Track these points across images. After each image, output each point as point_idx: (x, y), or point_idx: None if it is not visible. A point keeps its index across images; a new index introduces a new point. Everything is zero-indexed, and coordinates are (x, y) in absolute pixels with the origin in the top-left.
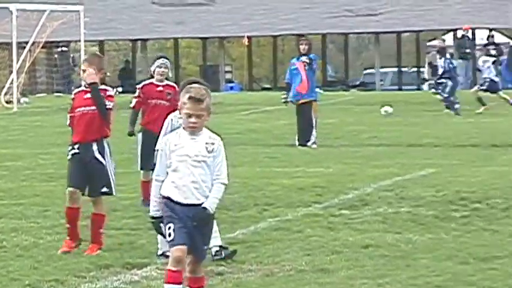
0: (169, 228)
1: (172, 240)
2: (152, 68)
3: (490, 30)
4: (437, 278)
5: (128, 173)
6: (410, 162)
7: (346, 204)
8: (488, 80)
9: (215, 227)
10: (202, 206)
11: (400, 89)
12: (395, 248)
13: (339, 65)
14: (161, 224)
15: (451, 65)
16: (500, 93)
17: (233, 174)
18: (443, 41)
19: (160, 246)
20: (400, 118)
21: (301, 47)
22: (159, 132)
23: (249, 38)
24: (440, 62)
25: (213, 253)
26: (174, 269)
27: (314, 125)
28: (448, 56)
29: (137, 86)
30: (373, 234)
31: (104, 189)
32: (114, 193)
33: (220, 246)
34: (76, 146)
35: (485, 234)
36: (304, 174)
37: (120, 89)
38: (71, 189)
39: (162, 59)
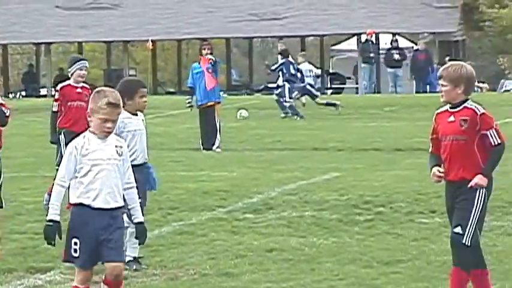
0: (75, 243)
1: (77, 258)
2: (72, 70)
3: (394, 34)
4: (341, 281)
5: (32, 176)
6: (314, 166)
7: (250, 208)
8: (307, 85)
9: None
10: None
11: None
12: (300, 251)
13: (243, 69)
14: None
15: (292, 69)
16: (317, 99)
17: None
18: (283, 43)
19: (128, 252)
20: (304, 122)
21: (204, 51)
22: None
23: (153, 42)
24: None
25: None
26: (81, 286)
27: (218, 128)
28: (290, 58)
29: (56, 89)
30: (277, 238)
31: None
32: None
33: (134, 258)
34: None
35: (388, 238)
36: (208, 178)
37: (23, 93)
38: None
39: (83, 61)
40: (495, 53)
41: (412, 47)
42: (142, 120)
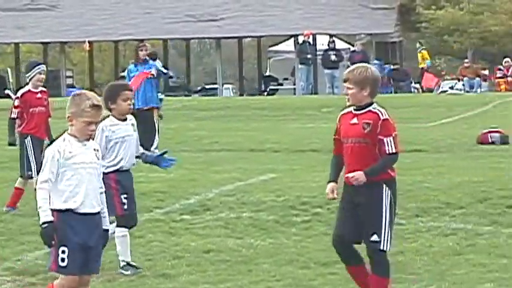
0: (63, 252)
1: (65, 267)
2: (31, 74)
3: (331, 36)
4: (278, 282)
5: None
6: (252, 168)
7: (187, 210)
8: None
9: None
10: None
11: (241, 95)
12: (237, 253)
13: (180, 70)
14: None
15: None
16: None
17: None
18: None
19: (123, 257)
20: (241, 123)
21: (141, 53)
22: (43, 138)
23: (90, 43)
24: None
25: (120, 265)
26: None
27: (157, 130)
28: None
29: (15, 96)
30: (214, 239)
31: None
32: None
33: (128, 263)
34: None
35: (325, 239)
36: (145, 179)
37: None
38: None
39: (41, 65)
40: (431, 54)
41: (349, 48)
42: (132, 124)
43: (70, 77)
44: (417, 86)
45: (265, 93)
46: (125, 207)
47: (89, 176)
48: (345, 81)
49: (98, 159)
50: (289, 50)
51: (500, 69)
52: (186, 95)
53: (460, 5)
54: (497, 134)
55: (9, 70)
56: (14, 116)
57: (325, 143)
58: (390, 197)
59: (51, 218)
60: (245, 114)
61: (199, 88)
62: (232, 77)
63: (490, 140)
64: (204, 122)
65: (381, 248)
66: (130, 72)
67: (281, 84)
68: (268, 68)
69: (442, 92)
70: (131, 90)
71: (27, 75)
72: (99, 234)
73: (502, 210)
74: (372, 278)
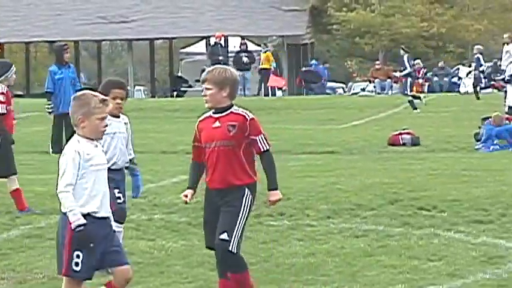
0: (77, 256)
1: (78, 272)
2: (9, 74)
3: (243, 38)
4: (190, 284)
5: None
6: (163, 170)
7: None
8: None
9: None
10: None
11: (153, 96)
12: (149, 255)
13: (92, 72)
14: None
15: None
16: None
17: None
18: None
19: None
20: (153, 125)
21: (66, 55)
22: None
23: (1, 44)
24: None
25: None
26: None
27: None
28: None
29: (1, 91)
30: (126, 241)
31: None
32: None
33: None
34: None
35: None
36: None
37: None
38: None
39: (13, 65)
40: (343, 56)
41: (260, 50)
42: (125, 123)
43: None
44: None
45: (175, 94)
46: (118, 201)
47: (104, 178)
48: (203, 82)
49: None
50: (200, 51)
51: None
52: None
53: (371, 7)
54: (408, 136)
55: None
56: (3, 111)
57: None
58: (250, 202)
59: (84, 221)
60: (157, 116)
61: None
62: (144, 78)
63: (401, 142)
64: None
65: (230, 248)
66: (54, 73)
67: (191, 86)
68: (179, 70)
69: (353, 93)
70: (123, 88)
71: (4, 75)
72: (113, 233)
73: (413, 212)
74: (230, 277)
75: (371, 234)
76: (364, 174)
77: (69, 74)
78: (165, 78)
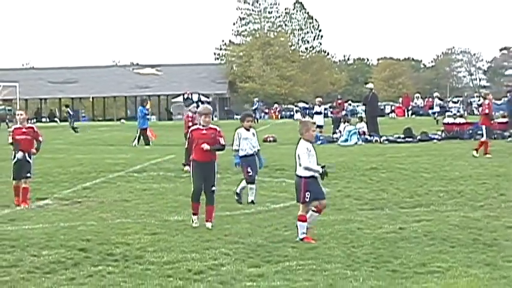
0: (308, 194)
1: (308, 201)
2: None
3: (198, 94)
4: None
5: None
6: None
7: None
8: None
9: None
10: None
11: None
12: None
13: None
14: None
15: None
16: None
17: None
18: None
19: (253, 197)
20: None
21: None
22: None
23: None
24: None
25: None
26: (305, 214)
27: None
28: None
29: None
30: None
31: None
32: None
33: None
34: None
35: None
36: None
37: None
38: None
39: None
40: (243, 103)
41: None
42: (253, 134)
43: None
44: None
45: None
46: (250, 174)
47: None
48: (206, 114)
49: None
50: (180, 100)
51: None
52: None
53: (255, 81)
54: (273, 136)
55: None
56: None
57: None
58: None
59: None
60: None
61: None
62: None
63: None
64: None
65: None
66: None
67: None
68: (171, 108)
69: None
70: (251, 116)
71: None
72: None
73: None
74: (209, 208)
75: None
76: None
77: None
78: (164, 112)
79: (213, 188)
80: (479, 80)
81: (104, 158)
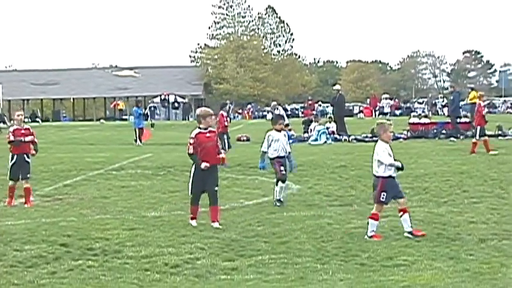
0: (384, 194)
1: (384, 202)
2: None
3: (175, 95)
4: None
5: None
6: None
7: None
8: None
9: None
10: None
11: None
12: None
13: None
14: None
15: None
16: None
17: None
18: None
19: (281, 196)
20: None
21: None
22: None
23: None
24: None
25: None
26: (379, 213)
27: None
28: None
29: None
30: None
31: None
32: None
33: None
34: None
35: None
36: None
37: None
38: None
39: None
40: (218, 104)
41: (185, 101)
42: (284, 135)
43: None
44: None
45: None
46: (283, 172)
47: None
48: (211, 115)
49: None
50: (157, 101)
51: None
52: None
53: (230, 82)
54: (247, 136)
55: None
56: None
57: None
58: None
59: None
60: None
61: None
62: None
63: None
64: None
65: (217, 190)
66: None
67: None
68: (149, 110)
69: None
70: (283, 118)
71: None
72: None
73: None
74: (214, 208)
75: None
76: None
77: None
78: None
79: (216, 188)
80: (443, 81)
81: (84, 157)
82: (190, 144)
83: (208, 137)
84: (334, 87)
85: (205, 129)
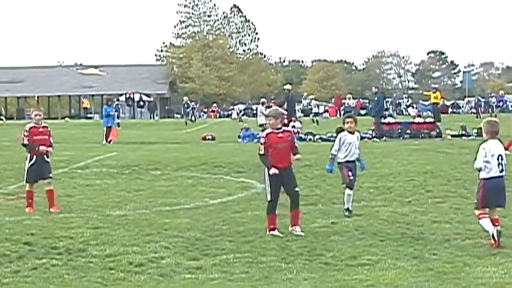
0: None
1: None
2: None
3: (140, 94)
4: None
5: None
6: None
7: None
8: None
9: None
10: None
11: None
12: None
13: None
14: None
15: None
16: None
17: None
18: None
19: (349, 204)
20: None
21: None
22: None
23: None
24: None
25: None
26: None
27: None
28: None
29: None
30: None
31: None
32: None
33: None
34: None
35: None
36: None
37: None
38: None
39: None
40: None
41: (150, 100)
42: (357, 137)
43: None
44: None
45: None
46: (351, 177)
47: None
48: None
49: None
50: (123, 99)
51: None
52: None
53: (195, 81)
54: (213, 135)
55: None
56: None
57: None
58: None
59: None
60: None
61: None
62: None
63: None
64: None
65: (299, 192)
66: None
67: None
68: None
69: None
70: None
71: None
72: None
73: None
74: (295, 212)
75: None
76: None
77: None
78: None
79: (297, 189)
80: (408, 81)
81: None
82: (261, 144)
83: (280, 138)
84: (285, 87)
85: (278, 129)
